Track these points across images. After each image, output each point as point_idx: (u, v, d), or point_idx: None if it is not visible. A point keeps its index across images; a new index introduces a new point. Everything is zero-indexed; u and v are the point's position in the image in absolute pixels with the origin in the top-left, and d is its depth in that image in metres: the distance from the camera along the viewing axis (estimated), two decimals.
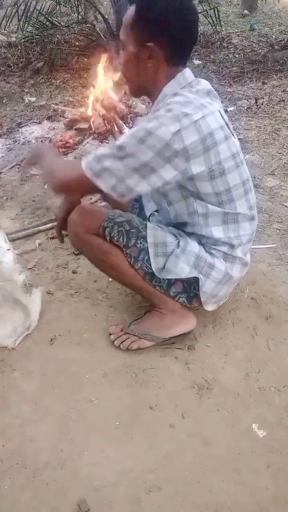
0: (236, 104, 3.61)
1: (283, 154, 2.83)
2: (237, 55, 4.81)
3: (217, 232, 1.37)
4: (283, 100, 3.63)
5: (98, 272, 1.76)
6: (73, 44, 4.75)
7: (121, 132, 2.86)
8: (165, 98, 1.27)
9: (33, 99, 3.73)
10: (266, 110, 3.49)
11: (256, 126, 3.22)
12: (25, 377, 1.43)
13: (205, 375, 1.44)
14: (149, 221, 1.58)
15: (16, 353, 1.50)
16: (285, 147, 2.92)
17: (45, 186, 2.46)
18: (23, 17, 4.22)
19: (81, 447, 1.24)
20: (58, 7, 4.57)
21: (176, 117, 1.19)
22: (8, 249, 1.63)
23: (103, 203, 1.98)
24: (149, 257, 1.37)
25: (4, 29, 4.83)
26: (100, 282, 1.80)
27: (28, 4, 4.19)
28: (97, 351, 1.52)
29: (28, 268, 1.86)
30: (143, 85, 1.33)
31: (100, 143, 2.84)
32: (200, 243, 1.40)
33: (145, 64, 1.27)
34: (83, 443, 1.25)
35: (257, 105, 3.56)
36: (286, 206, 2.33)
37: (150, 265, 1.37)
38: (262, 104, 3.58)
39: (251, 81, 4.11)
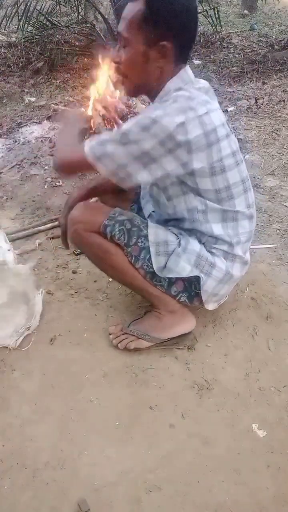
0: (236, 104, 3.61)
1: (283, 154, 2.83)
2: (237, 55, 4.81)
3: (217, 228, 1.37)
4: (283, 100, 3.63)
5: (98, 272, 1.76)
6: (73, 44, 4.75)
7: None
8: (168, 94, 1.27)
9: (33, 99, 3.73)
10: (266, 110, 3.49)
11: (256, 126, 3.22)
12: (25, 377, 1.43)
13: (205, 375, 1.44)
14: None
15: (16, 353, 1.50)
16: (285, 147, 2.92)
17: (45, 186, 2.46)
18: (23, 17, 4.22)
19: (81, 447, 1.24)
20: (58, 7, 4.57)
21: (182, 109, 1.19)
22: (9, 250, 1.63)
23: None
24: (150, 256, 1.37)
25: (4, 29, 4.83)
26: (100, 282, 1.80)
27: (28, 4, 4.19)
28: (97, 351, 1.52)
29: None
30: (144, 84, 1.31)
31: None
32: (200, 242, 1.40)
33: (155, 64, 1.25)
34: (83, 443, 1.25)
35: (257, 105, 3.56)
36: (286, 206, 2.33)
37: (151, 264, 1.37)
38: (262, 104, 3.58)
39: (251, 81, 4.11)
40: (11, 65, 4.44)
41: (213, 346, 1.54)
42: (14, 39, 4.93)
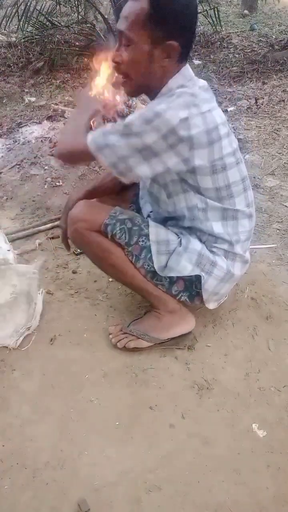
0: (236, 104, 3.61)
1: (283, 154, 2.83)
2: (237, 55, 4.81)
3: (217, 227, 1.37)
4: (283, 100, 3.63)
5: (98, 272, 1.76)
6: (73, 44, 4.75)
7: None
8: (171, 91, 1.26)
9: (33, 99, 3.73)
10: (266, 110, 3.49)
11: (256, 126, 3.22)
12: (25, 377, 1.43)
13: (205, 375, 1.44)
14: None
15: (16, 353, 1.50)
16: (285, 147, 2.92)
17: (45, 186, 2.46)
18: (23, 17, 4.22)
19: (81, 447, 1.24)
20: (58, 7, 4.57)
21: (185, 105, 1.19)
22: (8, 250, 1.63)
23: None
24: (151, 255, 1.37)
25: (4, 29, 4.83)
26: (100, 282, 1.80)
27: (28, 4, 4.19)
28: (97, 351, 1.52)
29: None
30: (146, 84, 1.30)
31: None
32: (201, 241, 1.40)
33: (159, 63, 1.24)
34: (83, 443, 1.25)
35: (257, 105, 3.56)
36: (286, 206, 2.33)
37: (152, 263, 1.37)
38: (262, 104, 3.58)
39: (251, 81, 4.11)
40: (11, 65, 4.44)
41: (213, 346, 1.54)
42: (14, 39, 4.93)
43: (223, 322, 1.63)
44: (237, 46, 5.11)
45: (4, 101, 3.75)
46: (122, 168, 1.24)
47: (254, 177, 2.54)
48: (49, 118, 3.24)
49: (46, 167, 2.60)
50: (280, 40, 5.14)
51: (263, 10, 6.78)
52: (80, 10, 4.63)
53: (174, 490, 1.14)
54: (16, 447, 1.24)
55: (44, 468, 1.19)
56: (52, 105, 3.47)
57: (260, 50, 4.86)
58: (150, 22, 1.19)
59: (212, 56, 4.83)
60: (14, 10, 4.25)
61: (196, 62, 4.60)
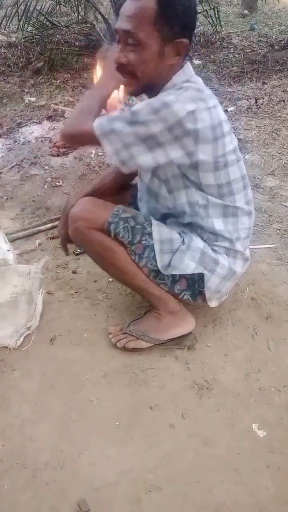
0: (236, 104, 3.62)
1: (283, 154, 2.83)
2: (237, 55, 4.82)
3: (218, 223, 1.37)
4: (283, 100, 3.63)
5: (98, 272, 1.76)
6: (73, 44, 4.75)
7: None
8: (175, 86, 1.26)
9: (33, 99, 3.73)
10: (266, 110, 3.49)
11: (256, 126, 3.22)
12: (25, 377, 1.43)
13: (205, 375, 1.44)
14: None
15: (16, 353, 1.50)
16: (285, 147, 2.93)
17: (45, 186, 2.46)
18: (23, 17, 4.23)
19: (81, 447, 1.24)
20: (58, 7, 4.58)
21: (193, 98, 1.19)
22: (8, 250, 1.63)
23: None
24: (154, 254, 1.36)
25: (4, 29, 4.83)
26: (100, 282, 1.80)
27: (28, 4, 4.19)
28: (97, 351, 1.52)
29: None
30: (152, 83, 1.28)
31: (97, 148, 2.84)
32: (202, 239, 1.40)
33: (168, 61, 1.24)
34: (83, 443, 1.25)
35: (257, 105, 3.56)
36: (286, 206, 2.33)
37: (156, 262, 1.36)
38: (262, 104, 3.58)
39: (251, 81, 4.12)
40: (11, 65, 4.45)
41: (213, 346, 1.54)
42: (14, 39, 4.93)
43: (223, 322, 1.63)
44: (237, 46, 5.12)
45: (4, 101, 3.75)
46: (124, 156, 1.22)
47: (254, 177, 2.54)
48: (49, 118, 3.25)
49: (46, 167, 2.60)
50: (280, 40, 5.14)
51: (263, 10, 6.78)
52: (80, 10, 4.64)
53: (174, 490, 1.14)
54: (16, 447, 1.24)
55: (44, 468, 1.19)
56: (52, 105, 3.47)
57: (260, 50, 4.86)
58: (160, 21, 1.18)
59: (212, 56, 4.84)
60: (14, 10, 4.25)
61: (196, 62, 4.60)
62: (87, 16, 4.92)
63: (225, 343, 1.55)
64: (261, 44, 5.16)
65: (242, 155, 1.43)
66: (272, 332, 1.60)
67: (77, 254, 1.94)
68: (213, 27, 4.73)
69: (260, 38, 5.39)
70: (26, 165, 2.65)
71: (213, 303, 1.46)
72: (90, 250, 1.47)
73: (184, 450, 1.23)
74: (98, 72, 2.90)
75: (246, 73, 4.27)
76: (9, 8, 4.31)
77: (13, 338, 1.51)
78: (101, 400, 1.36)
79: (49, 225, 2.13)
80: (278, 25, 6.10)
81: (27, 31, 4.57)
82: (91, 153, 2.69)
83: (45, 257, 1.73)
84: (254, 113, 3.44)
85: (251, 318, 1.65)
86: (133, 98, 3.13)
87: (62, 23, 4.71)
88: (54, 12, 4.64)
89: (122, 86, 1.37)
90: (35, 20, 4.42)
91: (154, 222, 1.39)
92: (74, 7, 4.55)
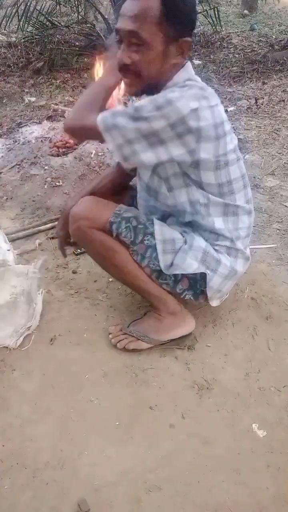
0: (236, 104, 3.62)
1: (283, 154, 2.83)
2: (237, 55, 4.82)
3: (218, 222, 1.37)
4: (283, 100, 3.63)
5: (98, 272, 1.76)
6: (73, 44, 4.76)
7: None
8: (177, 84, 1.26)
9: (33, 99, 3.73)
10: (266, 110, 3.49)
11: (256, 126, 3.22)
12: (25, 377, 1.43)
13: (205, 375, 1.44)
14: None
15: (16, 353, 1.50)
16: (285, 147, 2.93)
17: (45, 186, 2.46)
18: (23, 17, 4.23)
19: (81, 447, 1.24)
20: (58, 7, 4.58)
21: (196, 96, 1.19)
22: (8, 250, 1.63)
23: None
24: (156, 254, 1.36)
25: (4, 29, 4.83)
26: (100, 282, 1.80)
27: (28, 4, 4.20)
28: (97, 351, 1.52)
29: None
30: (156, 82, 1.27)
31: (100, 143, 2.84)
32: (203, 239, 1.40)
33: (172, 60, 1.24)
34: (83, 443, 1.25)
35: (257, 105, 3.56)
36: (286, 206, 2.33)
37: (158, 262, 1.36)
38: (262, 104, 3.58)
39: (251, 81, 4.12)
40: (11, 65, 4.45)
41: (213, 346, 1.54)
42: (14, 39, 4.94)
43: (223, 322, 1.63)
44: (237, 46, 5.12)
45: (4, 101, 3.75)
46: (127, 151, 1.21)
47: (254, 177, 2.54)
48: (49, 118, 3.25)
49: (46, 167, 2.60)
50: (280, 40, 5.14)
51: (263, 10, 6.79)
52: (80, 10, 4.64)
53: (174, 490, 1.14)
54: (16, 447, 1.24)
55: (44, 468, 1.19)
56: (52, 105, 3.48)
57: (260, 50, 4.87)
58: (165, 21, 1.18)
59: (212, 56, 4.84)
60: (14, 10, 4.26)
61: (196, 62, 4.60)
62: (87, 16, 4.93)
63: (225, 343, 1.55)
64: (261, 44, 5.16)
65: (242, 155, 1.43)
66: (272, 332, 1.60)
67: (77, 254, 1.94)
68: (213, 27, 4.74)
69: (260, 38, 5.39)
70: (26, 165, 2.65)
71: (214, 303, 1.46)
72: (91, 250, 1.46)
73: (184, 450, 1.23)
74: (99, 70, 2.90)
75: (246, 73, 4.27)
76: (9, 8, 4.31)
77: (13, 338, 1.51)
78: (101, 400, 1.36)
79: (49, 225, 2.13)
80: (278, 25, 6.10)
81: (27, 31, 4.57)
82: (91, 153, 2.69)
83: (43, 257, 1.73)
84: (254, 113, 3.44)
85: (251, 318, 1.65)
86: (133, 98, 3.13)
87: (62, 23, 4.71)
88: (54, 12, 4.64)
89: (122, 85, 1.36)
90: (35, 20, 4.42)
91: (156, 221, 1.39)
92: (74, 7, 4.56)
